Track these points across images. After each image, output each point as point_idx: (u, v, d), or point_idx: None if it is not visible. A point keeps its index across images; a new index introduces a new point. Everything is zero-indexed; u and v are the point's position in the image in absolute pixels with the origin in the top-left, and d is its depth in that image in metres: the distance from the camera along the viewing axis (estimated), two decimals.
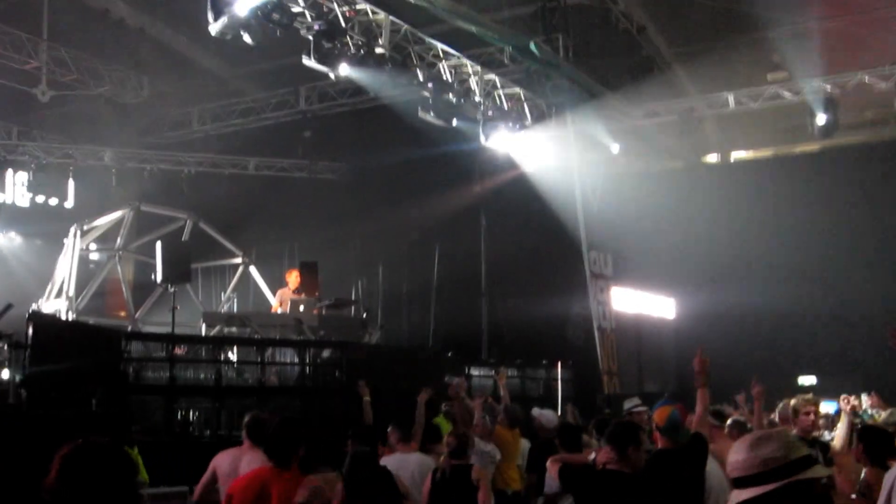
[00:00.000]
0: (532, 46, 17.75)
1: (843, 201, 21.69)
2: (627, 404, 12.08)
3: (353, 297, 22.87)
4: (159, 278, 16.78)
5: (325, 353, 15.63)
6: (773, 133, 23.45)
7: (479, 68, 19.28)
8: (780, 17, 19.32)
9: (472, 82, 19.35)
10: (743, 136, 23.92)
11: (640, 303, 24.09)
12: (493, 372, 17.16)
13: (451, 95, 18.62)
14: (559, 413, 15.02)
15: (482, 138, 20.07)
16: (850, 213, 21.68)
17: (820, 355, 22.13)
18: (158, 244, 17.12)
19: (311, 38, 15.54)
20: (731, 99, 21.18)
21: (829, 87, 19.95)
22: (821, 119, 20.11)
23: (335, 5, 15.88)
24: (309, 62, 15.73)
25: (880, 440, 7.47)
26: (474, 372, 18.12)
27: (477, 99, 19.43)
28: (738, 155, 24.88)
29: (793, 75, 20.49)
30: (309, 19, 15.54)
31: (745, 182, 22.88)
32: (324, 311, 17.79)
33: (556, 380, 19.62)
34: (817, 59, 19.41)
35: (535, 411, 11.78)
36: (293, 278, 18.16)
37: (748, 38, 20.26)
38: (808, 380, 22.01)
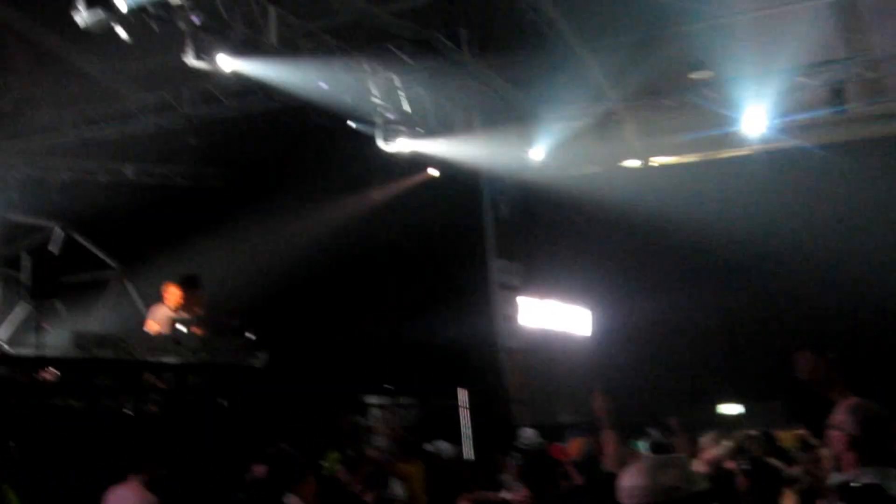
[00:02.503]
0: (432, 41, 18.22)
1: (777, 204, 22.41)
2: (523, 436, 12.40)
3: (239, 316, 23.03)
4: (25, 294, 16.87)
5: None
6: (697, 138, 24.02)
7: (376, 66, 19.73)
8: (702, 10, 19.91)
9: (369, 82, 19.84)
10: (664, 140, 24.59)
11: (553, 317, 24.22)
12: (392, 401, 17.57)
13: (345, 96, 19.07)
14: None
15: (380, 142, 20.54)
16: (786, 216, 22.40)
17: (747, 379, 22.59)
18: (24, 256, 17.21)
19: (189, 30, 15.94)
20: (651, 100, 21.85)
21: (757, 88, 20.65)
22: (749, 123, 20.82)
23: None
24: (189, 60, 16.09)
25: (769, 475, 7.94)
26: (372, 401, 18.50)
27: (375, 100, 19.92)
28: (660, 160, 25.47)
29: (718, 74, 21.18)
30: (187, 10, 15.83)
31: (667, 186, 23.43)
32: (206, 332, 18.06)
33: (460, 408, 20.00)
34: (745, 57, 20.12)
35: (429, 446, 12.11)
36: (171, 294, 18.30)
37: (669, 34, 20.61)
38: (731, 408, 22.59)
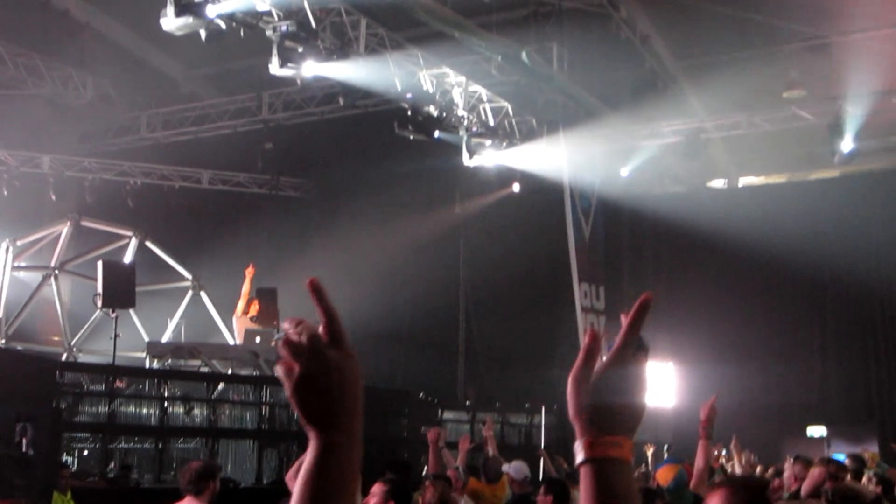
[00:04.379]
0: (523, 56, 17.84)
1: (864, 228, 22.02)
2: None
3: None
4: (99, 302, 16.76)
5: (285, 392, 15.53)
6: (788, 157, 23.64)
7: (463, 79, 19.39)
8: (799, 30, 19.45)
9: (456, 94, 19.47)
10: (753, 159, 24.08)
11: None
12: (469, 416, 17.19)
13: (431, 108, 18.75)
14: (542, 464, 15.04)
15: (465, 156, 20.22)
16: (873, 240, 22.04)
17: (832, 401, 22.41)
18: (99, 264, 17.11)
19: (276, 39, 15.63)
20: (742, 119, 21.36)
21: (851, 109, 20.11)
22: (844, 144, 20.30)
23: (305, 4, 15.93)
24: (274, 69, 15.82)
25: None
26: (448, 416, 18.16)
27: (460, 113, 19.55)
28: (746, 180, 25.03)
29: (812, 94, 20.70)
30: (276, 18, 15.61)
31: (753, 208, 23.07)
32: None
33: (538, 426, 19.63)
34: (839, 77, 19.62)
35: (504, 467, 11.74)
36: (250, 306, 18.15)
37: (763, 52, 20.38)
38: (817, 430, 22.12)
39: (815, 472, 9.22)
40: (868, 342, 22.58)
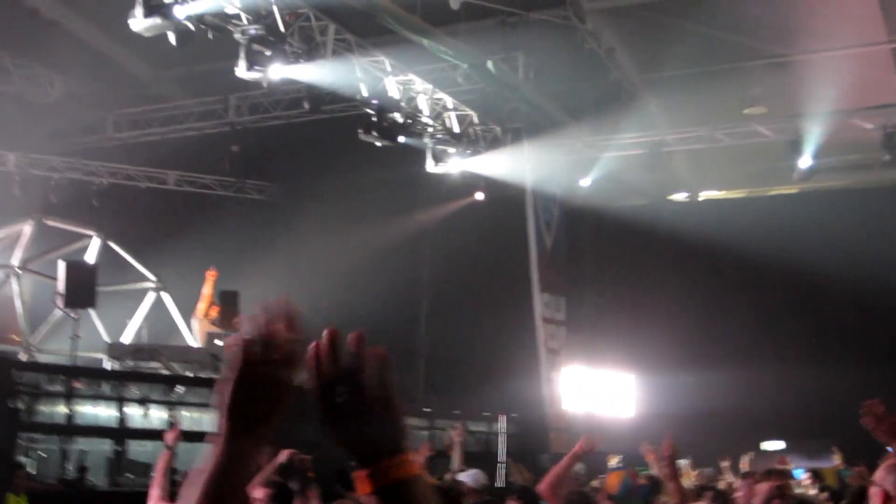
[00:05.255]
0: (489, 65, 17.80)
1: (824, 243, 21.84)
2: None
3: None
4: (60, 302, 16.56)
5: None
6: (748, 172, 23.72)
7: (429, 86, 19.30)
8: (762, 47, 19.52)
9: (422, 101, 19.37)
10: (715, 173, 24.15)
11: (598, 353, 23.55)
12: (428, 423, 17.08)
13: (397, 114, 18.65)
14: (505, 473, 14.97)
15: (429, 163, 20.10)
16: (833, 255, 21.73)
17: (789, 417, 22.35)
18: (61, 263, 16.90)
19: (244, 42, 15.47)
20: (704, 134, 21.39)
21: (811, 127, 20.18)
22: (803, 161, 20.36)
23: (274, 9, 15.79)
24: (241, 72, 15.66)
25: None
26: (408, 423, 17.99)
27: (425, 120, 19.45)
28: (707, 194, 25.10)
29: (772, 111, 20.77)
30: (245, 22, 15.44)
31: (713, 221, 23.07)
32: None
33: (499, 434, 19.54)
34: (800, 95, 19.68)
35: (461, 475, 11.61)
36: (210, 309, 17.99)
37: (726, 68, 20.42)
38: (774, 445, 22.11)
39: (762, 488, 9.17)
40: (828, 353, 22.58)
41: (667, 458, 6.91)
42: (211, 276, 19.28)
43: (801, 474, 14.99)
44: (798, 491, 12.38)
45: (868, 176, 22.75)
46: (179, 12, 14.17)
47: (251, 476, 1.89)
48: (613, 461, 17.72)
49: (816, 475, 14.68)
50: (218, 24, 15.09)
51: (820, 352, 22.39)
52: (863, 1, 18.69)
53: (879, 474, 4.51)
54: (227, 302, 18.44)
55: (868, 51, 19.63)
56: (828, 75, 19.26)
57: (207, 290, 19.19)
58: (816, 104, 19.73)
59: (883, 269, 20.73)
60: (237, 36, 15.42)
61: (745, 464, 13.94)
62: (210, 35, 15.19)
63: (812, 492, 12.48)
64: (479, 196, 21.82)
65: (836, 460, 15.97)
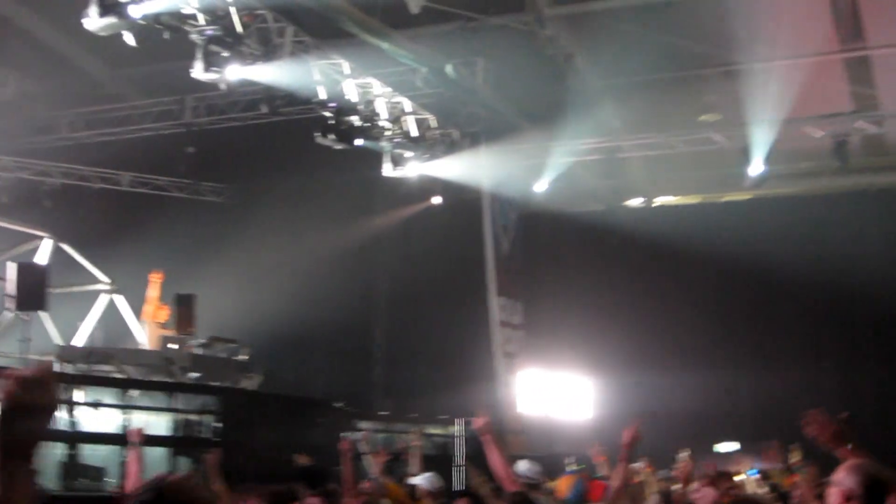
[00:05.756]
0: (448, 69, 17.71)
1: (776, 248, 22.00)
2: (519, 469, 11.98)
3: (232, 336, 22.44)
4: (10, 304, 16.28)
5: (198, 399, 15.21)
6: (702, 179, 23.78)
7: (388, 90, 19.17)
8: (718, 55, 19.59)
9: (380, 104, 19.22)
10: (670, 179, 24.18)
11: (555, 357, 23.41)
12: (384, 427, 16.93)
13: (354, 117, 18.49)
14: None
15: (386, 166, 19.98)
16: (786, 261, 21.90)
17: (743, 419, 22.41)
18: (12, 265, 16.62)
19: (201, 43, 15.24)
20: (660, 140, 21.41)
21: (762, 134, 20.28)
22: (755, 168, 20.44)
23: (231, 9, 15.57)
24: (197, 73, 15.44)
25: None
26: (364, 426, 17.84)
27: (383, 123, 19.31)
28: (662, 200, 25.15)
29: (726, 118, 20.84)
30: (202, 23, 15.20)
31: (668, 227, 23.02)
32: (198, 351, 17.37)
33: (456, 438, 19.42)
34: (751, 103, 19.77)
35: (416, 479, 11.55)
36: (163, 311, 17.73)
37: (682, 76, 20.53)
38: (728, 446, 22.17)
39: (708, 493, 9.13)
40: (781, 356, 22.69)
41: (626, 445, 6.80)
42: (155, 278, 18.97)
43: (754, 474, 15.12)
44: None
45: (819, 183, 22.83)
46: (135, 11, 13.90)
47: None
48: (571, 464, 17.63)
49: (765, 475, 14.83)
50: (174, 24, 14.83)
51: (773, 355, 22.55)
52: (815, 12, 18.90)
53: (839, 474, 4.49)
54: (184, 305, 18.17)
55: (820, 60, 19.77)
56: (780, 84, 19.39)
57: (153, 292, 18.91)
58: (769, 112, 19.84)
59: (833, 275, 20.94)
60: (194, 36, 15.17)
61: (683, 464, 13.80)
62: (166, 35, 14.96)
63: (760, 491, 12.59)
64: (437, 200, 21.77)
65: (795, 457, 15.97)
